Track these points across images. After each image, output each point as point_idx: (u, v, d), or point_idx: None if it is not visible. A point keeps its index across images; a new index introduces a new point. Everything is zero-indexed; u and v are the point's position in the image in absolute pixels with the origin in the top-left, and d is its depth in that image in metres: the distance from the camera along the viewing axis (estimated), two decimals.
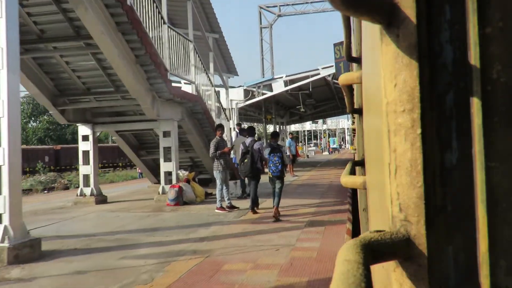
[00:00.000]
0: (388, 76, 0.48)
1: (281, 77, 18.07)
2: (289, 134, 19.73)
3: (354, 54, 1.74)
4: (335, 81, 17.13)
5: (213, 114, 13.01)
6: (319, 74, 17.37)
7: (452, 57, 0.46)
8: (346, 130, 75.76)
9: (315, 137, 71.84)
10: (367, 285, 0.37)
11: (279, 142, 13.64)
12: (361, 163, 1.89)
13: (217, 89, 16.48)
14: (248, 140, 8.41)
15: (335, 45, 11.39)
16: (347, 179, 1.33)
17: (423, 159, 0.46)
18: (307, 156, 36.51)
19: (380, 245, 0.45)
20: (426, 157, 0.46)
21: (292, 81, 18.00)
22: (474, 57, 0.44)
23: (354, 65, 1.88)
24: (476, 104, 0.44)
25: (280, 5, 31.32)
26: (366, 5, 0.44)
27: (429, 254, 0.46)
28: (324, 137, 57.65)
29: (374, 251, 0.45)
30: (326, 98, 26.64)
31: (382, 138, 0.51)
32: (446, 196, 0.46)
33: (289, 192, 10.90)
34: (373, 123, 0.71)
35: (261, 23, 31.43)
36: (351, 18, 1.52)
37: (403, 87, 0.47)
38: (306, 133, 70.14)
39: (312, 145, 65.15)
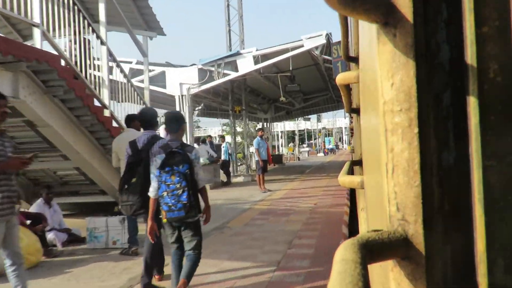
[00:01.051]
0: (385, 76, 0.48)
1: (250, 52, 12.70)
2: (257, 131, 13.13)
3: (351, 54, 1.74)
4: (327, 57, 13.05)
5: (105, 93, 6.90)
6: (302, 46, 12.06)
7: (449, 56, 0.46)
8: (343, 130, 73.79)
9: (311, 137, 67.29)
10: (365, 285, 0.38)
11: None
12: (359, 163, 1.89)
13: (161, 69, 12.79)
14: (142, 138, 3.94)
15: (333, 44, 11.37)
16: (344, 179, 1.33)
17: (420, 158, 0.46)
18: (298, 158, 33.25)
19: (377, 244, 0.46)
20: (423, 157, 0.46)
21: (265, 57, 12.59)
22: (470, 56, 0.44)
23: (352, 64, 1.89)
24: (473, 103, 0.44)
25: None
26: (363, 5, 0.44)
27: (426, 253, 0.46)
28: (319, 137, 54.00)
29: (372, 251, 0.45)
30: (317, 87, 21.97)
31: (379, 138, 0.51)
32: (444, 195, 0.46)
33: (232, 234, 5.98)
34: (370, 122, 0.71)
35: None
36: (349, 17, 1.53)
37: (400, 86, 0.47)
38: (298, 133, 66.84)
39: (305, 145, 61.53)
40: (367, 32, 0.71)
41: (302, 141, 69.20)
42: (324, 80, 19.67)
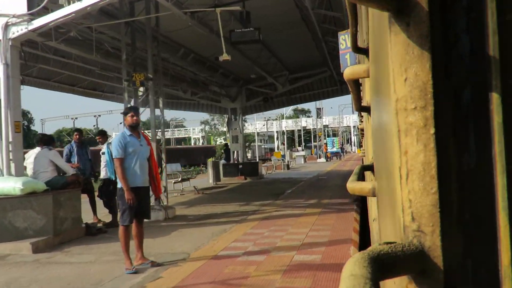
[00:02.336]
0: (397, 70, 0.48)
1: None
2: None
3: (361, 45, 1.74)
4: (325, 12, 10.25)
5: None
6: None
7: (469, 47, 0.46)
8: (352, 129, 66.91)
9: (315, 137, 54.80)
10: None
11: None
12: (370, 168, 1.89)
13: None
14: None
15: (340, 34, 11.37)
16: (354, 186, 1.33)
17: (438, 162, 0.46)
18: (287, 166, 27.38)
19: (390, 258, 0.46)
20: (440, 160, 0.46)
21: None
22: (493, 47, 0.44)
23: (362, 57, 1.89)
24: (495, 100, 0.44)
25: None
26: None
27: (445, 267, 0.46)
28: (320, 137, 46.60)
29: (384, 265, 0.45)
30: (309, 60, 16.86)
31: (391, 139, 0.51)
32: (464, 203, 0.46)
33: None
34: (382, 122, 0.71)
35: None
36: (358, 5, 1.53)
37: (415, 81, 0.47)
38: (297, 133, 62.25)
39: (300, 148, 54.51)
40: (378, 21, 0.71)
41: (304, 143, 66.95)
42: (321, 49, 13.62)
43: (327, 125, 61.87)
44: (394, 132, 0.49)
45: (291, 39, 13.60)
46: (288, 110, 42.54)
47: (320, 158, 40.59)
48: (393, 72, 0.49)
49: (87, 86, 17.39)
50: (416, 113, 0.47)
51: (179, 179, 14.70)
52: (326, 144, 44.22)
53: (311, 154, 47.79)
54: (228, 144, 21.55)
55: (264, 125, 56.27)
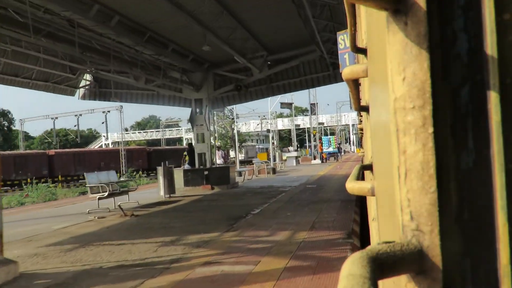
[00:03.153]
0: (395, 69, 0.48)
1: None
2: None
3: (360, 45, 1.75)
4: None
5: None
6: None
7: (467, 47, 0.46)
8: (351, 127, 64.36)
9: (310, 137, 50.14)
10: None
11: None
12: (369, 167, 1.89)
13: None
14: None
15: (339, 34, 11.38)
16: (353, 185, 1.33)
17: (436, 161, 0.46)
18: (273, 170, 23.65)
19: (389, 257, 0.46)
20: (439, 159, 0.46)
21: None
22: (491, 46, 0.44)
23: (361, 56, 1.89)
24: (494, 99, 0.44)
25: None
26: None
27: (444, 267, 0.46)
28: (314, 136, 41.95)
29: (383, 265, 0.45)
30: (293, 37, 13.92)
31: (390, 138, 0.51)
32: (463, 202, 0.47)
33: None
34: (380, 121, 0.71)
35: None
36: (356, 4, 1.53)
37: (413, 81, 0.47)
38: (295, 132, 58.45)
39: (291, 148, 49.39)
40: (376, 21, 0.71)
41: (301, 142, 65.67)
42: (307, 22, 11.48)
43: (323, 123, 58.57)
44: (393, 131, 0.49)
45: (268, 7, 10.66)
46: (274, 104, 36.65)
47: (315, 159, 37.24)
48: (391, 71, 0.49)
49: (35, 77, 15.15)
50: (414, 112, 0.47)
51: (106, 193, 10.76)
52: (321, 143, 39.51)
53: (305, 155, 44.20)
54: (193, 144, 17.45)
55: (258, 125, 53.41)
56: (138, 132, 76.79)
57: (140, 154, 44.84)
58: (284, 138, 62.66)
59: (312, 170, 25.35)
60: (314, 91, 41.17)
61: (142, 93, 19.02)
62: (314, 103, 42.02)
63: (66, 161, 39.10)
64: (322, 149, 37.93)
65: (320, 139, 40.56)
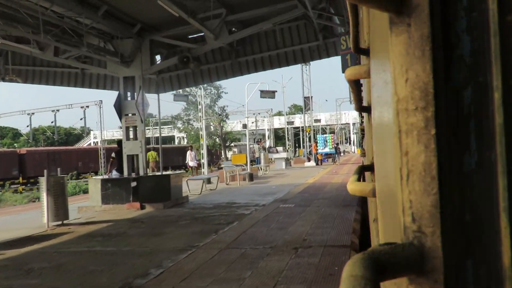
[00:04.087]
0: (398, 70, 0.48)
1: None
2: None
3: (362, 45, 1.74)
4: None
5: None
6: None
7: (470, 48, 0.46)
8: (351, 126, 61.36)
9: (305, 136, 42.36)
10: None
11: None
12: (370, 168, 1.89)
13: None
14: None
15: (341, 35, 11.36)
16: (354, 186, 1.33)
17: (438, 163, 0.46)
18: (251, 177, 18.80)
19: (391, 259, 0.46)
20: (441, 161, 0.46)
21: None
22: (494, 48, 0.44)
23: (363, 57, 1.89)
24: (497, 101, 0.44)
25: None
26: None
27: (445, 268, 0.46)
28: (308, 134, 36.63)
29: (384, 266, 0.45)
30: None
31: (392, 140, 0.51)
32: (465, 204, 0.47)
33: None
34: (383, 122, 0.71)
35: None
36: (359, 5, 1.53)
37: (416, 82, 0.47)
38: (292, 131, 55.49)
39: (280, 149, 43.17)
40: (379, 22, 0.71)
41: (300, 142, 63.15)
42: None
43: (319, 120, 54.58)
44: (395, 133, 0.49)
45: None
46: (253, 92, 25.99)
47: (309, 161, 32.55)
48: (394, 73, 0.49)
49: None
50: (417, 114, 0.47)
51: None
52: (316, 143, 34.15)
53: (299, 156, 40.49)
54: (122, 143, 11.95)
55: (253, 123, 51.35)
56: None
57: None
58: (282, 138, 60.61)
59: (301, 175, 21.03)
60: (309, 82, 35.93)
61: (52, 72, 14.17)
62: (309, 97, 36.40)
63: (39, 161, 34.64)
64: (317, 150, 33.11)
65: (315, 138, 36.02)
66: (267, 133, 43.46)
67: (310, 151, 34.75)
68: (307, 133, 37.23)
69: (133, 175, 11.60)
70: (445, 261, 0.46)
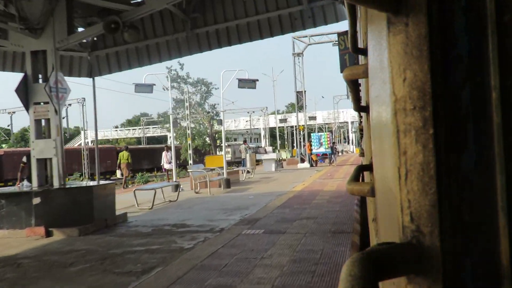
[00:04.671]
0: (396, 70, 0.48)
1: None
2: None
3: (360, 45, 1.75)
4: None
5: None
6: None
7: (468, 48, 0.47)
8: (350, 125, 58.81)
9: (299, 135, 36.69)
10: None
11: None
12: (369, 168, 1.89)
13: None
14: None
15: (339, 34, 11.36)
16: (353, 186, 1.33)
17: (437, 162, 0.46)
18: (227, 183, 15.67)
19: (389, 258, 0.46)
20: (439, 160, 0.46)
21: None
22: (491, 48, 0.44)
23: (361, 57, 1.89)
24: (494, 101, 0.44)
25: None
26: None
27: (444, 268, 0.46)
28: (302, 132, 33.33)
29: (383, 266, 0.45)
30: None
31: (390, 139, 0.51)
32: (463, 203, 0.47)
33: None
34: (381, 122, 0.71)
35: None
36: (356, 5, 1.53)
37: (413, 82, 0.47)
38: (288, 130, 52.83)
39: (270, 149, 39.31)
40: (377, 22, 0.71)
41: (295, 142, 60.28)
42: None
43: (314, 117, 52.09)
44: (393, 132, 0.49)
45: None
46: (229, 81, 18.88)
47: (303, 162, 29.86)
48: (392, 72, 0.49)
49: None
50: (415, 114, 0.47)
51: None
52: (310, 142, 30.47)
53: (293, 157, 37.15)
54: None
55: (247, 121, 45.18)
56: (120, 130, 72.37)
57: (109, 154, 36.77)
58: (279, 137, 58.16)
59: (290, 179, 18.33)
60: (301, 75, 32.21)
61: None
62: (302, 91, 32.60)
63: (18, 162, 30.28)
64: (311, 150, 29.86)
65: (309, 136, 31.90)
66: (262, 133, 39.38)
67: (303, 151, 31.67)
68: (300, 132, 33.82)
69: (46, 186, 8.51)
70: (444, 260, 0.46)
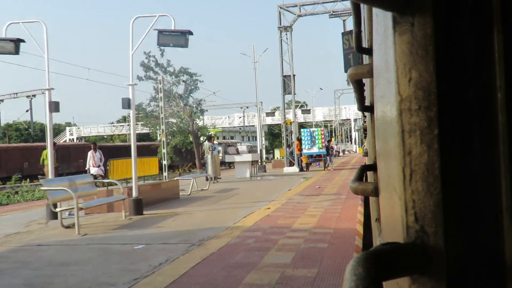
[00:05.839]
0: (401, 70, 0.48)
1: None
2: None
3: (365, 45, 1.74)
4: None
5: None
6: None
7: (474, 48, 0.46)
8: (352, 123, 54.77)
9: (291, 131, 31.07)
10: None
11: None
12: (373, 167, 1.89)
13: None
14: None
15: (343, 34, 11.35)
16: (357, 186, 1.33)
17: (441, 162, 0.46)
18: (135, 206, 9.70)
19: (393, 259, 0.46)
20: (444, 161, 0.46)
21: None
22: (498, 47, 0.44)
23: (365, 57, 1.89)
24: (500, 101, 0.44)
25: None
26: None
27: (448, 268, 0.46)
28: (289, 126, 27.30)
29: (387, 266, 0.45)
30: None
31: (395, 139, 0.51)
32: (467, 204, 0.47)
33: None
34: (385, 122, 0.71)
35: None
36: (361, 4, 1.53)
37: (419, 82, 0.47)
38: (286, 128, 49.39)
39: (244, 148, 27.38)
40: (382, 21, 0.71)
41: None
42: None
43: (308, 110, 45.01)
44: (398, 133, 0.49)
45: None
46: (146, 33, 10.26)
47: (291, 165, 24.73)
48: (397, 72, 0.49)
49: None
50: (420, 114, 0.47)
51: None
52: (299, 141, 24.75)
53: (280, 158, 31.28)
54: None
55: (240, 117, 40.99)
56: (113, 126, 70.38)
57: (81, 152, 32.94)
58: (279, 135, 51.10)
59: (258, 194, 12.97)
60: (290, 54, 26.37)
61: None
62: (290, 75, 26.12)
63: None
64: (300, 151, 24.39)
65: (300, 136, 25.67)
66: (258, 130, 34.34)
67: (291, 152, 25.67)
68: (288, 126, 27.28)
69: None
70: (448, 261, 0.46)
